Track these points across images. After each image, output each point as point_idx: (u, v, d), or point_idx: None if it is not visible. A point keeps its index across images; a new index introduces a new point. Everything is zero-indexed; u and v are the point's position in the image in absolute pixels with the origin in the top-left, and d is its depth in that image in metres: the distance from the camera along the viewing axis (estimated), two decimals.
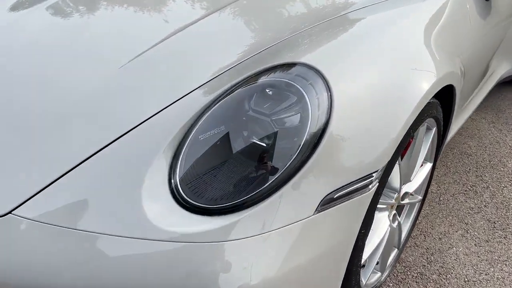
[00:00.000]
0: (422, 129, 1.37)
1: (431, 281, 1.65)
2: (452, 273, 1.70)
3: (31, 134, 1.05)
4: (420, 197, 1.69)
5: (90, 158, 1.00)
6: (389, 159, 1.11)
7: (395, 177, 1.35)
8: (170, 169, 0.98)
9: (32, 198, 0.94)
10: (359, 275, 1.30)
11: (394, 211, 1.49)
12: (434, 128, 1.49)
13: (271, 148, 0.98)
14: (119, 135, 1.01)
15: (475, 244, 1.84)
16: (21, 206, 0.93)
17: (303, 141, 0.97)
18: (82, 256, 0.88)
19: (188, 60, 1.21)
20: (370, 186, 1.07)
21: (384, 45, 1.19)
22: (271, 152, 0.98)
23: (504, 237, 1.88)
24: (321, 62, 1.07)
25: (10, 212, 0.93)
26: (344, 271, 1.14)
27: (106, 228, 0.91)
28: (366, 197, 1.07)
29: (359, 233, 1.14)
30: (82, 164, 0.99)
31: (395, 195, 1.40)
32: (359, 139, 1.04)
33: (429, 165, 1.63)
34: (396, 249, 1.65)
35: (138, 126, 1.03)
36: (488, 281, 1.67)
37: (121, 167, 0.98)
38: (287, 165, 0.96)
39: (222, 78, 1.11)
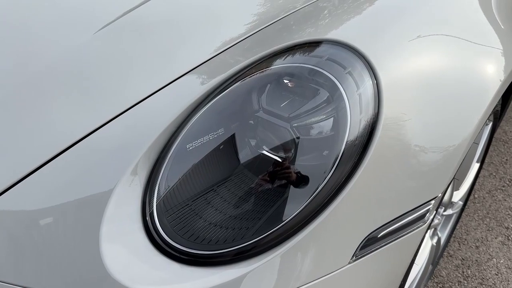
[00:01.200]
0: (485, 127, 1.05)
1: None
2: None
3: None
4: (461, 203, 1.40)
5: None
6: (450, 181, 0.80)
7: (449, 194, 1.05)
8: (145, 193, 0.68)
9: None
10: None
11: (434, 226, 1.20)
12: (491, 124, 1.17)
13: (291, 166, 0.67)
14: (70, 144, 0.70)
15: None
16: None
17: (337, 158, 0.66)
18: None
19: (176, 33, 0.88)
20: (427, 216, 0.77)
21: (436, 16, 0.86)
22: (289, 172, 0.67)
23: None
24: (356, 39, 0.74)
25: None
26: None
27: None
28: (420, 232, 0.77)
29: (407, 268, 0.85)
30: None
31: (441, 210, 1.10)
32: (417, 152, 0.73)
33: (476, 166, 1.32)
34: (430, 266, 1.37)
35: (99, 130, 0.71)
36: None
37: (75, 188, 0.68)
38: (315, 193, 0.65)
39: (222, 60, 0.78)
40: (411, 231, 0.75)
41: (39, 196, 0.66)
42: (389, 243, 0.73)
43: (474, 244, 1.59)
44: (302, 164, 0.68)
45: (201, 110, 0.72)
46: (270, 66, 0.74)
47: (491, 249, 1.57)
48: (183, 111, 0.73)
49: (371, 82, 0.70)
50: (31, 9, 1.01)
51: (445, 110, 0.77)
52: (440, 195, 0.77)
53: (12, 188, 0.67)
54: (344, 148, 0.66)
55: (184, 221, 0.67)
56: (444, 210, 1.21)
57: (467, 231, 1.64)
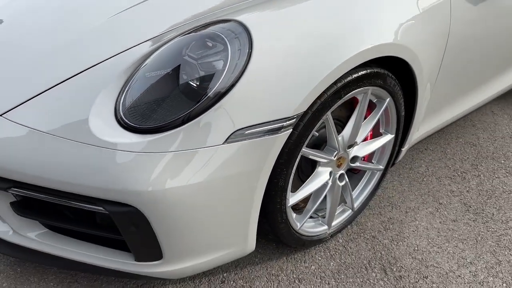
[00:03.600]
0: (364, 95, 1.51)
1: (381, 245, 1.78)
2: (404, 241, 1.81)
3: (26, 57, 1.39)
4: (381, 167, 1.82)
5: (62, 83, 1.31)
6: (305, 109, 1.29)
7: (332, 135, 1.50)
8: (119, 95, 1.26)
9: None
10: (286, 214, 1.49)
11: (341, 171, 1.65)
12: (388, 100, 1.60)
13: (196, 86, 1.21)
14: (83, 69, 1.31)
15: (440, 222, 1.92)
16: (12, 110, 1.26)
17: (218, 83, 1.19)
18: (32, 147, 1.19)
19: (144, 23, 1.48)
20: (281, 131, 1.26)
21: (326, 5, 1.35)
22: (195, 89, 1.22)
23: (474, 220, 1.94)
24: (251, 20, 1.28)
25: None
26: (260, 202, 1.34)
27: (60, 132, 1.21)
28: (278, 139, 1.26)
29: (276, 170, 1.34)
30: (54, 87, 1.30)
31: (335, 153, 1.55)
32: (275, 87, 1.23)
33: (389, 137, 1.75)
34: (350, 210, 1.80)
35: (99, 64, 1.32)
36: (438, 253, 1.76)
37: (81, 93, 1.28)
38: (203, 100, 1.19)
39: (171, 33, 1.36)
40: (269, 136, 1.24)
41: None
42: (252, 138, 1.23)
43: (405, 210, 1.98)
44: (201, 86, 1.22)
45: (154, 54, 1.29)
46: (196, 31, 1.30)
47: (418, 215, 1.95)
48: (144, 55, 1.31)
49: (248, 44, 1.23)
50: None
51: (301, 64, 1.26)
52: (291, 117, 1.25)
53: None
54: (224, 78, 1.19)
55: (136, 111, 1.23)
56: (352, 162, 1.65)
57: (403, 200, 2.03)
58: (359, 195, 1.84)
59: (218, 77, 1.20)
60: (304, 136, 1.37)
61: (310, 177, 1.57)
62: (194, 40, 1.28)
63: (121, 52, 1.34)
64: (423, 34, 1.60)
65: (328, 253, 1.73)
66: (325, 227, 1.73)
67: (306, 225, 1.67)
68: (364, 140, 1.73)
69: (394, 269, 1.68)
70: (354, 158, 1.67)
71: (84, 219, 1.33)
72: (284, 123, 1.26)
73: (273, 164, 1.30)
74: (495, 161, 2.34)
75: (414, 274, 1.66)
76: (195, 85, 1.22)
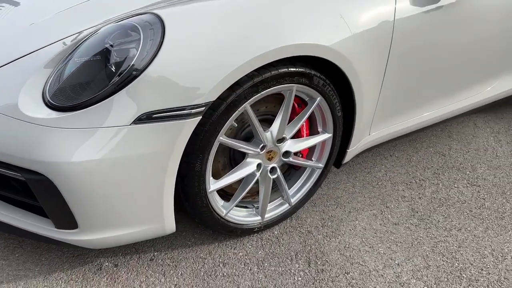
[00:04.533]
0: (289, 92, 1.59)
1: (313, 239, 1.84)
2: (337, 238, 1.86)
3: None
4: (320, 165, 1.88)
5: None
6: (214, 99, 1.39)
7: (256, 128, 1.59)
8: (48, 78, 1.41)
9: None
10: (208, 199, 1.59)
11: (273, 164, 1.73)
12: (318, 99, 1.67)
13: (110, 71, 1.35)
14: (21, 56, 1.49)
15: (380, 224, 1.95)
16: None
17: (127, 68, 1.32)
18: None
19: (81, 18, 1.64)
20: (189, 117, 1.37)
21: (242, 3, 1.45)
22: (109, 74, 1.35)
23: (416, 225, 1.96)
24: (168, 13, 1.40)
25: None
26: (172, 184, 1.45)
27: None
28: (186, 125, 1.36)
29: (191, 155, 1.45)
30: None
31: (261, 145, 1.64)
32: (184, 76, 1.34)
33: (326, 136, 1.81)
34: (287, 205, 1.87)
35: (35, 52, 1.49)
36: (367, 252, 1.80)
37: (17, 76, 1.44)
38: (111, 83, 1.32)
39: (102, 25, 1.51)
40: (177, 120, 1.35)
41: None
42: (159, 122, 1.34)
43: (348, 210, 2.03)
44: (117, 70, 1.35)
45: (84, 42, 1.44)
46: (119, 21, 1.43)
47: (360, 216, 1.99)
48: (75, 43, 1.46)
49: (161, 34, 1.35)
50: None
51: (211, 57, 1.37)
52: (198, 106, 1.36)
53: None
54: (134, 64, 1.32)
55: (61, 92, 1.37)
56: (285, 157, 1.73)
57: (350, 201, 2.08)
58: (298, 191, 1.91)
59: (128, 63, 1.33)
60: (219, 124, 1.46)
61: (237, 166, 1.67)
62: (118, 30, 1.42)
63: (55, 42, 1.50)
64: (358, 39, 1.66)
65: (259, 243, 1.81)
66: (258, 218, 1.81)
67: (236, 214, 1.76)
68: (298, 137, 1.81)
69: (319, 263, 1.74)
70: (287, 153, 1.75)
71: (12, 185, 1.49)
72: (192, 110, 1.37)
73: (183, 148, 1.41)
74: (460, 172, 2.34)
75: (337, 269, 1.71)
76: (110, 70, 1.35)
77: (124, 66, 1.33)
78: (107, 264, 1.68)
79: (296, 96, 1.70)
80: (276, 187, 1.88)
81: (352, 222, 1.95)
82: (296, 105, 1.74)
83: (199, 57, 1.37)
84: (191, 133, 1.40)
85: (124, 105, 1.32)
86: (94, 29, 1.50)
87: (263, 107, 1.71)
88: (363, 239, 1.86)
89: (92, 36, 1.44)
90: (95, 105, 1.32)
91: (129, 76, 1.32)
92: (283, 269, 1.70)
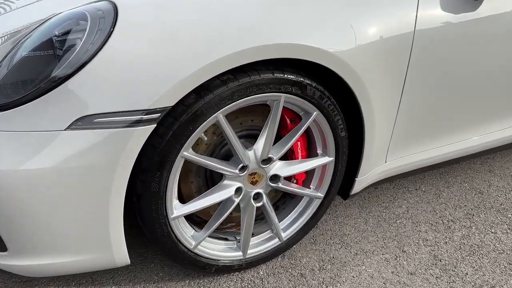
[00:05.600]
0: (275, 103, 1.30)
1: (306, 286, 1.51)
2: (336, 286, 1.52)
3: None
4: (320, 195, 1.57)
5: None
6: (171, 104, 1.13)
7: (232, 144, 1.31)
8: None
9: None
10: (170, 227, 1.31)
11: (258, 190, 1.44)
12: (315, 114, 1.38)
13: (51, 64, 1.13)
14: None
15: (392, 272, 1.59)
16: None
17: (66, 63, 1.10)
18: None
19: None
20: (139, 124, 1.11)
21: None
22: (48, 68, 1.13)
23: (438, 277, 1.58)
24: (126, 1, 1.17)
25: None
26: (120, 205, 1.19)
27: None
28: (136, 134, 1.11)
29: (146, 171, 1.19)
30: None
31: (240, 166, 1.35)
32: (134, 73, 1.10)
33: (326, 159, 1.50)
34: (277, 240, 1.56)
35: None
36: None
37: None
38: (47, 80, 1.09)
39: None
40: (123, 128, 1.10)
41: None
42: (101, 129, 1.10)
43: (355, 251, 1.68)
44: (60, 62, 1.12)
45: (32, 34, 1.23)
46: (69, 10, 1.22)
47: (368, 260, 1.64)
48: (23, 34, 1.25)
49: (111, 24, 1.12)
50: None
51: (168, 53, 1.11)
52: (150, 111, 1.10)
53: None
54: (75, 56, 1.09)
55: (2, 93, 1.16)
56: (273, 181, 1.44)
57: (359, 241, 1.73)
58: (291, 223, 1.59)
59: (68, 56, 1.10)
60: (182, 136, 1.20)
61: (211, 189, 1.39)
62: (69, 19, 1.20)
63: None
64: (368, 49, 1.35)
65: (239, 284, 1.51)
66: (239, 253, 1.51)
67: (211, 246, 1.47)
68: (292, 159, 1.51)
69: None
70: (275, 178, 1.45)
71: None
72: (143, 116, 1.11)
73: (132, 162, 1.15)
74: (500, 214, 1.93)
75: None
76: (49, 64, 1.13)
77: (63, 60, 1.10)
78: None
79: (288, 109, 1.41)
80: (265, 217, 1.58)
81: (358, 267, 1.60)
82: (288, 120, 1.45)
83: (155, 52, 1.12)
84: (142, 144, 1.14)
85: (59, 106, 1.09)
86: (46, 18, 1.29)
87: (248, 120, 1.43)
88: None
89: (40, 26, 1.23)
90: (25, 105, 1.09)
91: (68, 72, 1.09)
92: None
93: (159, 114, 1.13)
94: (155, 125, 1.14)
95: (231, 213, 1.55)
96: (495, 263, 1.65)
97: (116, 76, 1.09)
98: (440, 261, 1.65)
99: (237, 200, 1.40)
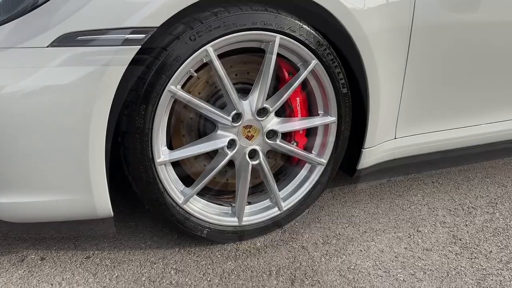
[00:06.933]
0: (270, 45, 1.25)
1: (307, 256, 1.36)
2: (341, 257, 1.37)
3: None
4: (323, 160, 1.46)
5: None
6: (157, 25, 1.09)
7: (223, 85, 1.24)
8: None
9: None
10: (157, 173, 1.22)
11: (254, 146, 1.34)
12: (314, 63, 1.31)
13: None
14: None
15: (405, 248, 1.43)
16: None
17: None
18: None
19: None
20: (123, 43, 1.07)
21: None
22: None
23: (458, 254, 1.41)
24: None
25: None
26: (102, 138, 1.12)
27: None
28: (119, 55, 1.07)
29: (130, 102, 1.13)
30: None
31: (233, 113, 1.28)
32: None
33: (327, 119, 1.41)
34: (276, 209, 1.44)
35: None
36: (380, 277, 1.28)
37: None
38: None
39: None
40: (107, 47, 1.06)
41: None
42: (83, 47, 1.06)
43: (364, 229, 1.53)
44: None
45: None
46: None
47: (379, 237, 1.49)
48: None
49: None
50: None
51: None
52: (134, 29, 1.06)
53: None
54: None
55: None
56: (268, 137, 1.34)
57: (368, 221, 1.58)
58: (292, 192, 1.47)
59: None
60: (170, 67, 1.15)
61: (202, 138, 1.31)
62: None
63: None
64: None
65: (233, 253, 1.37)
66: (234, 219, 1.39)
67: (202, 207, 1.36)
68: (289, 115, 1.42)
69: (306, 282, 1.25)
70: (273, 134, 1.36)
71: None
72: (128, 35, 1.07)
73: (115, 88, 1.10)
74: None
75: None
76: None
77: None
78: (33, 256, 1.32)
79: (286, 60, 1.35)
80: (264, 189, 1.47)
81: (366, 242, 1.44)
82: (286, 73, 1.38)
83: None
84: (126, 66, 1.09)
85: (43, 23, 1.06)
86: None
87: (244, 72, 1.38)
88: (377, 262, 1.34)
89: None
90: (9, 23, 1.07)
91: None
92: (254, 284, 1.23)
93: (144, 35, 1.09)
94: (140, 46, 1.09)
95: (227, 181, 1.46)
96: None
97: None
98: (460, 240, 1.48)
99: (230, 153, 1.31)
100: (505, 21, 1.55)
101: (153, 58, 1.14)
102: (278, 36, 1.25)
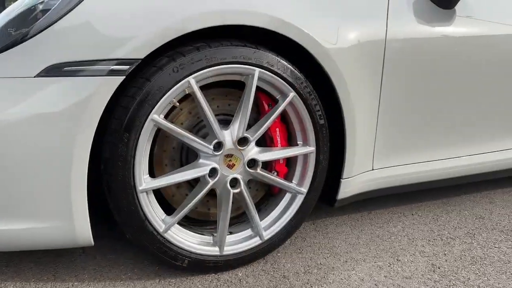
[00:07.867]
0: (250, 78, 1.31)
1: (289, 287, 1.37)
2: (321, 287, 1.37)
3: None
4: (303, 190, 1.49)
5: None
6: (141, 57, 1.15)
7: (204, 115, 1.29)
8: None
9: None
10: (138, 200, 1.24)
11: (235, 175, 1.38)
12: (291, 96, 1.38)
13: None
14: None
15: (385, 276, 1.45)
16: None
17: (46, 15, 1.15)
18: None
19: None
20: (107, 72, 1.12)
21: None
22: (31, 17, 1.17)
23: (436, 281, 1.43)
24: None
25: None
26: (85, 164, 1.15)
27: None
28: (103, 84, 1.12)
29: (113, 130, 1.17)
30: None
31: (214, 142, 1.32)
32: (106, 24, 1.14)
33: (306, 149, 1.46)
34: (258, 239, 1.45)
35: None
36: None
37: None
38: (23, 31, 1.13)
39: None
40: (92, 76, 1.11)
41: None
42: (70, 76, 1.11)
43: (345, 259, 1.55)
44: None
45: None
46: None
47: (360, 267, 1.50)
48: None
49: None
50: None
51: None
52: (118, 60, 1.12)
53: None
54: (53, 13, 1.14)
55: None
56: (250, 167, 1.38)
57: (349, 251, 1.60)
58: (274, 221, 1.50)
59: (49, 11, 1.15)
60: (151, 96, 1.20)
61: (184, 166, 1.34)
62: None
63: None
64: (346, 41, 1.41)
65: (213, 283, 1.37)
66: (216, 249, 1.40)
67: (184, 236, 1.37)
68: (270, 146, 1.47)
69: None
70: (253, 163, 1.40)
71: None
72: (113, 66, 1.13)
73: (98, 115, 1.14)
74: (503, 233, 1.80)
75: None
76: (31, 14, 1.18)
77: (47, 14, 1.15)
78: None
79: (265, 93, 1.41)
80: (246, 219, 1.49)
81: (347, 271, 1.46)
82: (266, 105, 1.44)
83: (125, 7, 1.16)
84: (109, 95, 1.14)
85: (31, 55, 1.11)
86: None
87: (225, 104, 1.44)
88: None
89: None
90: (1, 54, 1.12)
91: (44, 22, 1.13)
92: None
93: (129, 66, 1.14)
94: (124, 76, 1.14)
95: (208, 210, 1.48)
96: (501, 271, 1.50)
97: (87, 28, 1.13)
98: (439, 268, 1.50)
99: (211, 182, 1.34)
100: (473, 62, 1.66)
101: (137, 88, 1.19)
102: (257, 69, 1.31)
